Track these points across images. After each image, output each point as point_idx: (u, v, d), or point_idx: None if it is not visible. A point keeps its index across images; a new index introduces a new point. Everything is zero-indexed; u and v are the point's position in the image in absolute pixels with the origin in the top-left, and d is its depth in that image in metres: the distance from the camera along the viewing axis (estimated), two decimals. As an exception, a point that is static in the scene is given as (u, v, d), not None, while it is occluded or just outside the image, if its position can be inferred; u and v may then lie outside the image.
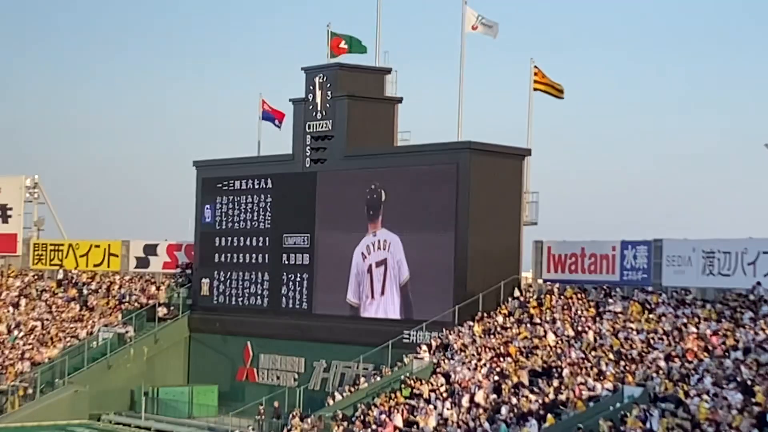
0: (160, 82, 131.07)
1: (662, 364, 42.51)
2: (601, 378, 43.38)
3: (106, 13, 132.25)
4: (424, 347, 51.05)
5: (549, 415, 42.25)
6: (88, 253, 71.96)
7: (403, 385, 48.71)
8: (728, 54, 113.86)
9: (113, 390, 61.38)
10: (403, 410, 46.67)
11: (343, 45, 58.80)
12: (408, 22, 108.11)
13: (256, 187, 61.71)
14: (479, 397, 45.49)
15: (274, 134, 64.47)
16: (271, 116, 64.27)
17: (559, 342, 47.39)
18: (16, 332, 67.50)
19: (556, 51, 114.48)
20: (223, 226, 63.20)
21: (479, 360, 48.13)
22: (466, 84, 55.24)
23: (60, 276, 72.15)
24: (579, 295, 50.73)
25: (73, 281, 71.26)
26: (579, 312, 49.30)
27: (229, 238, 62.83)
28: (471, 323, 51.25)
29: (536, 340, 48.14)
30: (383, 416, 46.80)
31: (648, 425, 38.55)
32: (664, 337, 44.69)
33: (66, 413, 59.21)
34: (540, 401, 43.50)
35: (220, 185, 63.36)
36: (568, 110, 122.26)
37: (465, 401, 45.66)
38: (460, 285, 52.32)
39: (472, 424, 43.82)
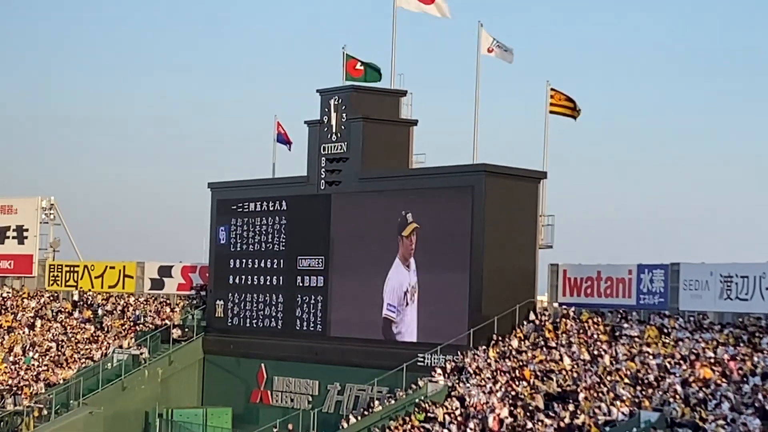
0: (176, 103, 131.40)
1: (679, 388, 42.24)
2: (618, 403, 43.10)
3: (121, 34, 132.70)
4: (439, 370, 50.84)
5: (564, 440, 42.03)
6: (103, 274, 71.97)
7: (417, 409, 48.50)
8: (748, 77, 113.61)
9: (127, 412, 61.33)
10: (417, 434, 46.48)
11: (359, 67, 58.76)
12: (423, 45, 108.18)
13: (271, 208, 61.67)
14: (494, 421, 45.24)
15: (288, 156, 64.55)
16: (284, 139, 64.40)
17: (575, 366, 47.15)
18: (31, 353, 67.51)
19: (572, 74, 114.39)
20: (238, 248, 63.14)
21: (494, 383, 47.90)
22: (481, 106, 55.23)
23: (75, 297, 72.18)
24: (595, 319, 50.49)
25: (88, 302, 71.28)
26: (595, 336, 49.05)
27: (244, 260, 62.75)
28: (486, 347, 51.04)
29: (552, 364, 47.90)
30: (398, 440, 46.60)
31: (664, 451, 38.31)
32: (681, 361, 44.43)
33: (80, 435, 59.17)
34: (555, 425, 43.25)
35: (235, 207, 63.35)
36: (584, 133, 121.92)
37: (480, 425, 45.40)
38: (475, 308, 52.10)
39: (487, 448, 43.60)
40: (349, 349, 56.34)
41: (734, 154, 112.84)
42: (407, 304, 54.76)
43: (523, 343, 50.64)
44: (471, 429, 45.49)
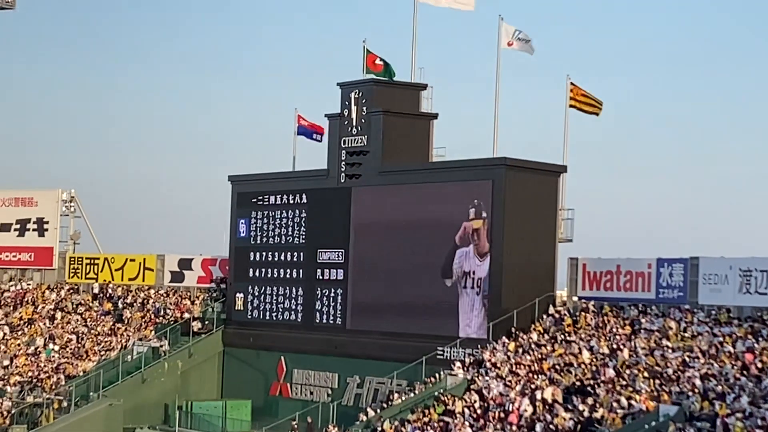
0: (196, 96, 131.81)
1: (698, 382, 42.21)
2: (637, 396, 43.09)
3: (142, 28, 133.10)
4: (458, 364, 50.90)
5: (583, 433, 42.05)
6: (124, 267, 72.22)
7: (436, 402, 48.56)
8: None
9: (147, 404, 61.56)
10: (436, 427, 46.52)
11: (378, 62, 58.79)
12: (444, 38, 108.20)
13: (291, 202, 61.78)
14: (513, 415, 45.29)
15: (309, 149, 64.63)
16: (309, 131, 64.30)
17: (594, 360, 47.15)
18: (51, 345, 67.80)
19: (593, 68, 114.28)
20: (258, 241, 63.27)
21: (513, 377, 47.93)
22: (501, 100, 55.25)
23: (95, 290, 72.43)
24: (614, 313, 50.45)
25: (108, 295, 71.53)
26: (614, 330, 49.03)
27: (264, 253, 62.88)
28: (505, 340, 51.06)
29: (571, 358, 47.91)
30: (417, 432, 46.68)
31: (684, 444, 38.31)
32: (700, 355, 44.39)
33: (100, 426, 59.30)
34: (575, 419, 43.27)
35: (255, 200, 63.48)
36: (604, 127, 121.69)
37: (499, 419, 45.45)
38: (495, 302, 52.15)
39: (505, 441, 43.65)
40: (369, 342, 56.43)
41: (754, 148, 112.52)
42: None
43: (542, 336, 50.66)
44: (490, 422, 45.55)
